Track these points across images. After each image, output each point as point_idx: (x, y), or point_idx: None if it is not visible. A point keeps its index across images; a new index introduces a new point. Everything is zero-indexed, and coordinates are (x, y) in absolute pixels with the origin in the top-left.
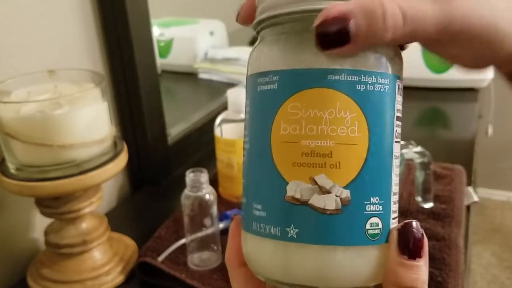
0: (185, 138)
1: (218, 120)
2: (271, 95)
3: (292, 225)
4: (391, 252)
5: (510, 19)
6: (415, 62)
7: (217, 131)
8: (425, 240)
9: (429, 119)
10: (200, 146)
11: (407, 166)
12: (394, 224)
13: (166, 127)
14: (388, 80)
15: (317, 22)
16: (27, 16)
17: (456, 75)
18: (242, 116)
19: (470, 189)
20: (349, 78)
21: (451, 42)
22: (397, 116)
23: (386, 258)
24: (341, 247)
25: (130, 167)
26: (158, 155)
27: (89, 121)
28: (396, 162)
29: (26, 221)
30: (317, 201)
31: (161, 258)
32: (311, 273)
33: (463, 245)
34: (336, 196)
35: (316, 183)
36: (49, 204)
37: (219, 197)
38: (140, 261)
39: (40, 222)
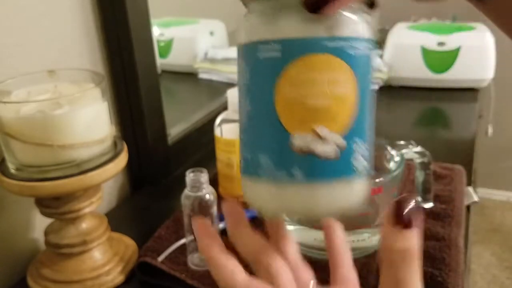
0: (185, 138)
1: (218, 120)
2: (274, 61)
3: (297, 170)
4: (387, 221)
5: None
6: (415, 63)
7: (217, 131)
8: (419, 213)
9: (429, 119)
10: (200, 146)
11: (407, 166)
12: (369, 156)
13: (166, 127)
14: (370, 44)
15: None
16: (27, 16)
17: (457, 75)
18: None
19: (470, 189)
20: (343, 44)
21: None
22: (373, 70)
23: (368, 187)
24: (340, 181)
25: (130, 167)
26: (158, 155)
27: (89, 121)
28: (371, 110)
29: (26, 221)
30: (319, 149)
31: (161, 258)
32: (315, 202)
33: (463, 245)
34: (334, 143)
35: (318, 134)
36: (49, 204)
37: (219, 197)
38: (140, 261)
39: (40, 222)
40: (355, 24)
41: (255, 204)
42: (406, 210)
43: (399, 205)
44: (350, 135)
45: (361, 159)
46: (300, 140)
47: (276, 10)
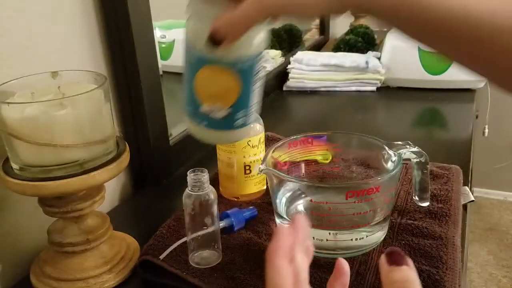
0: (186, 138)
1: None
2: (195, 63)
3: (205, 122)
4: (382, 263)
5: None
6: (412, 64)
7: None
8: (406, 257)
9: (426, 119)
10: (201, 146)
11: (405, 166)
12: (253, 114)
13: (168, 127)
14: (254, 57)
15: (208, 33)
16: (30, 17)
17: (453, 77)
18: None
19: (467, 188)
20: (233, 60)
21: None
22: (259, 71)
23: (247, 131)
24: (227, 131)
25: (132, 166)
26: (159, 155)
27: (92, 122)
28: (256, 93)
29: (29, 220)
30: (215, 114)
31: (162, 256)
32: (213, 139)
33: (460, 243)
34: (224, 111)
35: (215, 106)
36: (52, 203)
37: (220, 197)
38: (142, 259)
39: (42, 221)
40: (241, 49)
41: (191, 133)
42: (394, 253)
43: (393, 251)
44: (234, 107)
45: (242, 119)
46: (206, 107)
47: (198, 32)
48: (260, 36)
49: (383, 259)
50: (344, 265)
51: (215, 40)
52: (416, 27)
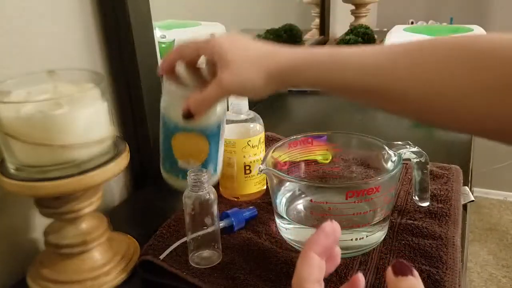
0: None
1: None
2: (171, 129)
3: (181, 175)
4: (389, 274)
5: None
6: None
7: None
8: (412, 267)
9: None
10: None
11: (405, 166)
12: (220, 164)
13: None
14: (217, 124)
15: (182, 109)
16: (27, 16)
17: None
18: (243, 116)
19: (467, 188)
20: (202, 128)
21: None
22: (222, 133)
23: (215, 179)
24: None
25: (132, 166)
26: (159, 155)
27: (89, 121)
28: (221, 150)
29: (25, 221)
30: (189, 168)
31: (162, 256)
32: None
33: (460, 243)
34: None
35: (189, 162)
36: (49, 204)
37: (220, 197)
38: (142, 259)
39: (40, 223)
40: (207, 120)
41: (169, 183)
42: (405, 264)
43: (399, 262)
44: (205, 163)
45: (210, 170)
46: (181, 163)
47: (173, 107)
48: (220, 109)
49: (389, 270)
50: (360, 282)
51: (187, 115)
52: (341, 93)
